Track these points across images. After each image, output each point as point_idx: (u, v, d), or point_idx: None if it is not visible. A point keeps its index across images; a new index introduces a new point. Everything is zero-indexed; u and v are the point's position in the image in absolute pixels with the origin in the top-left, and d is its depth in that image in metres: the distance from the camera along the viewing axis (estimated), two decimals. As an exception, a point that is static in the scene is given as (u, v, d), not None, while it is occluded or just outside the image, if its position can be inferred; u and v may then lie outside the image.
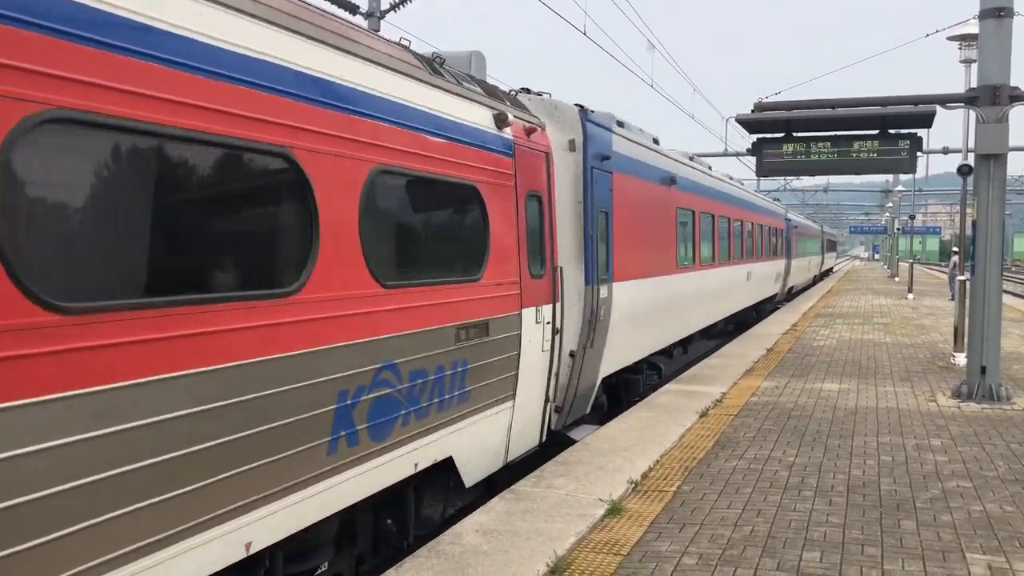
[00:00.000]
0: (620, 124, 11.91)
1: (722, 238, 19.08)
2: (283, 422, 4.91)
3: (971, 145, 13.93)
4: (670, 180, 13.98)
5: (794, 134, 12.80)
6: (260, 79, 4.78)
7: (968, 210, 15.41)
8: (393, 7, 14.32)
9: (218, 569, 4.49)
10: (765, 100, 12.65)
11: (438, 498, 7.73)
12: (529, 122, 8.83)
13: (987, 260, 11.80)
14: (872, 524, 6.75)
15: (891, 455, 8.92)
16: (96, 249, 3.82)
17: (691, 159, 17.76)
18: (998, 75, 11.53)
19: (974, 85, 12.05)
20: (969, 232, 13.11)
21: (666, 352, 14.89)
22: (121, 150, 3.94)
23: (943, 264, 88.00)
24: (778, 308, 30.71)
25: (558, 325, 9.18)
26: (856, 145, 12.53)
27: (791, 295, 37.54)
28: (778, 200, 38.14)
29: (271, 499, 4.86)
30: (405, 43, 7.20)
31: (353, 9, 13.99)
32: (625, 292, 11.25)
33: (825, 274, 64.65)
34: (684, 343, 16.89)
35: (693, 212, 15.88)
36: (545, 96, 10.27)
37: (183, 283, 4.27)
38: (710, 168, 20.02)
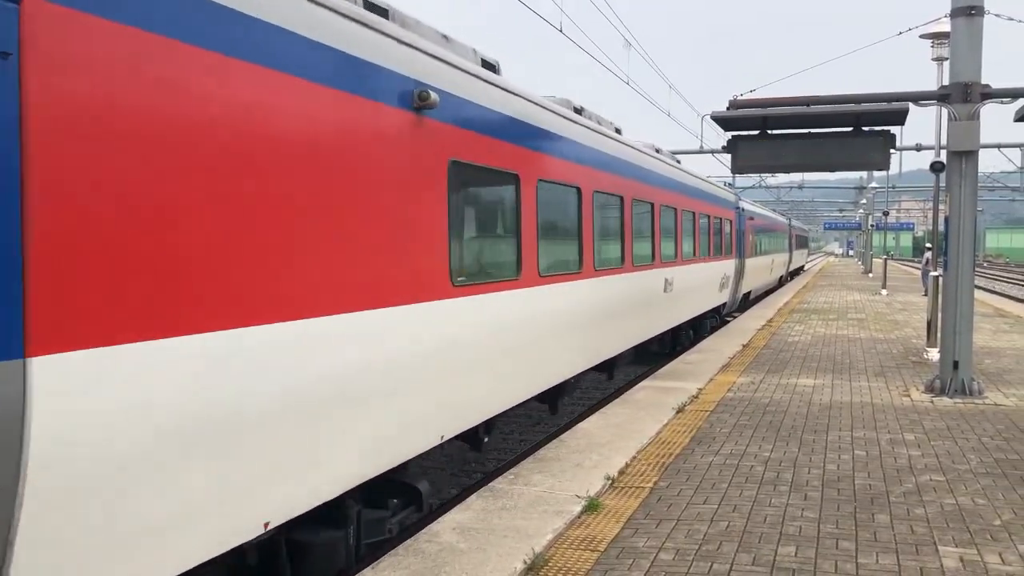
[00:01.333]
0: None
1: (606, 232, 11.95)
2: None
3: (943, 142, 14.07)
4: (414, 99, 6.58)
5: (769, 131, 12.87)
6: None
7: (941, 206, 15.56)
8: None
9: None
10: (740, 98, 12.71)
11: None
12: None
13: (959, 256, 11.91)
14: (847, 518, 6.80)
15: (865, 450, 8.99)
16: None
17: (578, 111, 11.97)
18: (969, 73, 11.64)
19: (946, 83, 12.17)
20: (942, 228, 13.23)
21: (484, 428, 8.71)
22: None
23: (916, 260, 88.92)
24: (727, 321, 24.86)
25: None
26: (830, 142, 12.62)
27: (748, 302, 31.01)
28: (731, 186, 30.68)
29: None
30: None
31: None
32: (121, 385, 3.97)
33: (795, 273, 59.39)
34: (549, 398, 10.98)
35: (517, 178, 8.68)
36: None
37: None
38: (619, 132, 13.92)
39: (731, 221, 24.59)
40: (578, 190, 10.75)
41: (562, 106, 11.01)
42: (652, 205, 14.86)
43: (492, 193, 8.37)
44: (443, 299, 7.01)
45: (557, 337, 9.95)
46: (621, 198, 12.81)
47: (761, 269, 33.15)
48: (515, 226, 8.77)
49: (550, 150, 9.76)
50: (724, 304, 24.17)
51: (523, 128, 8.91)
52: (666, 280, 15.64)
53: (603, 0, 17.78)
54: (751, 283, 29.88)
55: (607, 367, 13.33)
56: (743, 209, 27.72)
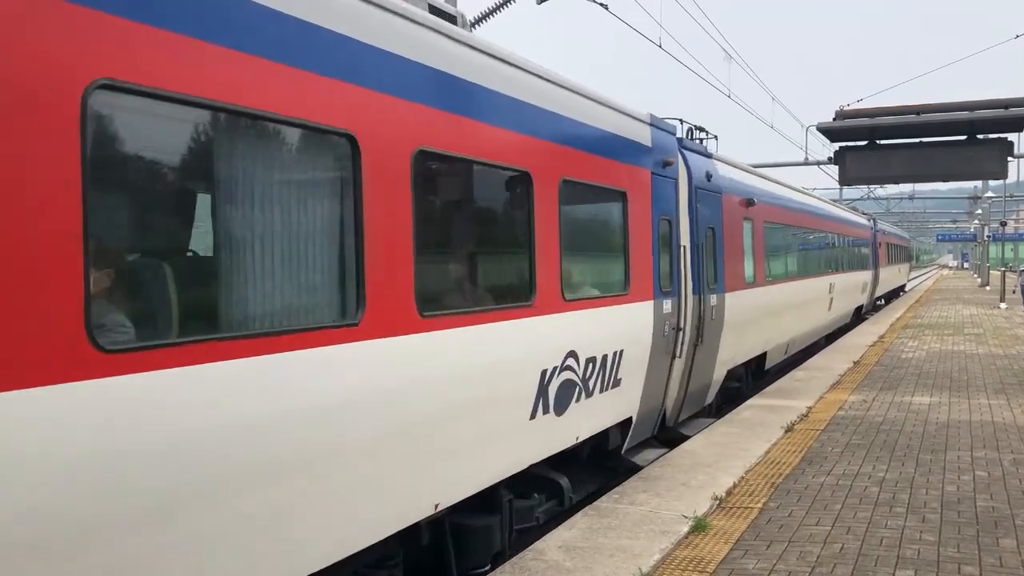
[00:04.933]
0: None
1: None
2: None
3: (1066, 148, 13.46)
4: None
5: (877, 142, 12.55)
6: None
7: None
8: (481, 19, 14.02)
9: None
10: (847, 108, 12.45)
11: None
12: None
13: (1086, 267, 11.35)
14: (968, 542, 6.53)
15: (987, 470, 8.62)
16: None
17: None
18: (1094, 75, 11.12)
19: (1068, 86, 11.66)
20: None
21: None
22: None
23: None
24: (633, 470, 9.26)
25: None
26: (943, 152, 12.23)
27: (761, 373, 15.86)
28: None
29: None
30: None
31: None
32: None
33: (891, 297, 44.89)
34: None
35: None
36: None
37: None
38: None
39: (624, 194, 8.82)
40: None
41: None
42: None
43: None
44: None
45: None
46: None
47: (798, 305, 17.75)
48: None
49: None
50: (629, 420, 9.23)
51: None
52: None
53: (702, 13, 17.66)
54: (766, 337, 15.31)
55: None
56: (709, 176, 11.89)
